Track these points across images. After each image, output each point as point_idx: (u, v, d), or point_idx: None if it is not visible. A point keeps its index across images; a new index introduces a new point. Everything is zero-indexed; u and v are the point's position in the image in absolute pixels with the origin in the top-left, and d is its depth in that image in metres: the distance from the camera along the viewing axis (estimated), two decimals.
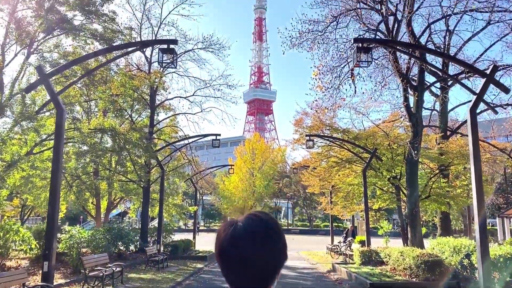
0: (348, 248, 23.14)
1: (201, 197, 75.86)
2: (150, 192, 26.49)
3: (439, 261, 13.00)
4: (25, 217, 40.72)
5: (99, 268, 12.87)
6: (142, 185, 23.68)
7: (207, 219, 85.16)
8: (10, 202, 34.07)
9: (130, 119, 25.37)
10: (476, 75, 26.07)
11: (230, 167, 39.62)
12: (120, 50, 11.57)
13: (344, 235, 26.41)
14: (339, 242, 25.76)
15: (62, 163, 23.63)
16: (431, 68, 23.91)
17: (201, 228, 70.07)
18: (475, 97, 10.54)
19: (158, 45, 11.34)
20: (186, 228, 62.34)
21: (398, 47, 13.13)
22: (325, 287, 15.11)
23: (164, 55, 10.99)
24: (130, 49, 11.26)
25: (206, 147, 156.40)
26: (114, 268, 13.14)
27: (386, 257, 17.30)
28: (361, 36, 16.83)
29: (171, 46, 10.80)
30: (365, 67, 11.79)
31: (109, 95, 18.44)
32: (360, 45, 10.66)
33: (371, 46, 10.78)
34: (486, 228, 10.23)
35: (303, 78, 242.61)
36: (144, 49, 25.17)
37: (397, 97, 21.88)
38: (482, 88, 10.42)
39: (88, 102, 25.40)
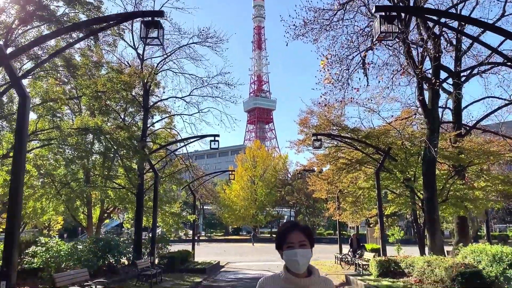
0: (360, 258, 21.10)
1: (201, 207, 73.82)
2: (145, 200, 24.53)
3: (477, 272, 11.04)
4: (21, 230, 38.46)
5: (76, 287, 10.89)
6: (133, 191, 21.71)
7: (208, 229, 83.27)
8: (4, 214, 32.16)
9: (123, 122, 23.54)
10: (490, 71, 24.48)
11: (230, 172, 37.72)
12: (96, 24, 9.80)
13: (350, 244, 23.90)
14: (349, 251, 23.63)
15: (50, 170, 21.97)
16: (448, 56, 22.21)
17: (202, 238, 68.12)
18: None
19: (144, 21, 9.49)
20: (187, 238, 60.27)
21: (428, 15, 11.21)
22: None
23: (148, 30, 9.21)
24: (108, 23, 9.51)
25: (207, 156, 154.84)
26: (94, 286, 11.21)
27: (407, 268, 15.31)
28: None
29: (156, 18, 9.02)
30: (391, 40, 9.99)
31: (94, 91, 16.56)
32: (383, 13, 8.88)
33: (395, 14, 8.98)
34: None
35: (302, 87, 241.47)
36: (137, 46, 23.46)
37: (410, 93, 20.13)
38: None
39: (78, 105, 23.61)
